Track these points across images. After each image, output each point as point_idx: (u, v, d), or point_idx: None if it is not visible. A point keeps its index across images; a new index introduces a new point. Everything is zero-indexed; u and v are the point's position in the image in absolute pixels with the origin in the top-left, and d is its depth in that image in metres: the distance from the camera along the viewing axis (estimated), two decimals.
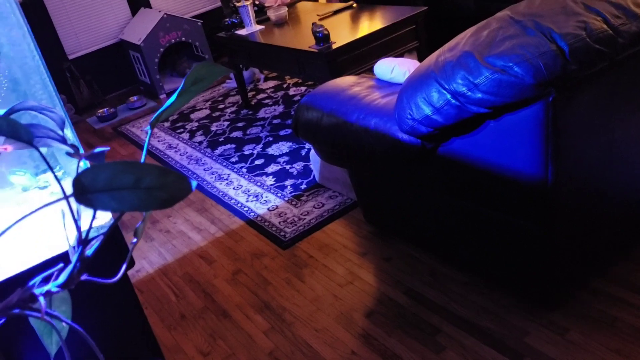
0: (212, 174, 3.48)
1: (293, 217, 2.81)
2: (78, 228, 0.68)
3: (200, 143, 3.97)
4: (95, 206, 0.57)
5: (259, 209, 2.96)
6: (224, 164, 3.57)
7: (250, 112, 4.27)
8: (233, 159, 3.59)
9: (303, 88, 4.48)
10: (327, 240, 2.58)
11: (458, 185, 1.86)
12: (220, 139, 3.94)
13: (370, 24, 3.45)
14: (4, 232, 0.68)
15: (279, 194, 3.05)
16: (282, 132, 3.79)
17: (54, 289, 0.66)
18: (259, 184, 3.22)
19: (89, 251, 0.68)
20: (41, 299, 0.66)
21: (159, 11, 5.10)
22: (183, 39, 5.09)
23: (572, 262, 1.86)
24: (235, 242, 2.74)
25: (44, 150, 1.54)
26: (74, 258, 0.67)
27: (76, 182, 0.56)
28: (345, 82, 2.28)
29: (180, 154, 3.89)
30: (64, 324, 0.77)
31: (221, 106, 4.55)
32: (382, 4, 3.79)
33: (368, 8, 3.77)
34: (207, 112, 4.50)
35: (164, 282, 2.57)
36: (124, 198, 0.57)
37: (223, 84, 4.99)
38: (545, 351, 1.77)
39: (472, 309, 1.99)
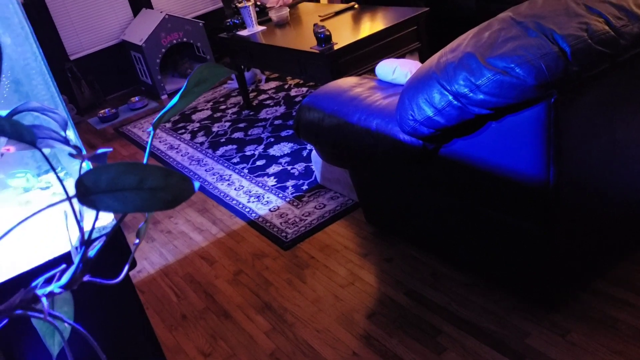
0: (214, 174, 3.48)
1: (294, 217, 2.81)
2: (81, 229, 0.68)
3: (201, 144, 3.97)
4: (98, 207, 0.57)
5: (260, 209, 2.96)
6: (226, 164, 3.57)
7: (251, 113, 4.27)
8: (234, 160, 3.60)
9: (304, 89, 4.49)
10: (328, 241, 2.58)
11: (459, 186, 1.86)
12: (222, 140, 3.94)
13: (372, 25, 3.45)
14: (6, 233, 0.68)
15: (281, 195, 3.05)
16: (283, 133, 3.79)
17: (57, 290, 0.67)
18: (260, 184, 3.22)
19: (92, 252, 0.68)
20: (44, 299, 0.66)
21: (161, 12, 5.10)
22: (184, 39, 5.09)
23: (574, 263, 1.86)
24: (237, 243, 2.74)
25: (46, 151, 1.54)
26: (76, 259, 0.67)
27: (79, 184, 0.56)
28: (347, 83, 2.28)
29: (181, 155, 3.89)
30: (66, 324, 0.77)
31: (222, 107, 4.55)
32: (383, 5, 3.79)
33: (370, 9, 3.77)
34: (209, 112, 4.51)
35: (165, 283, 2.57)
36: (127, 199, 0.57)
37: (225, 85, 4.99)
38: (546, 352, 1.77)
39: (473, 310, 1.99)
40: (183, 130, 4.28)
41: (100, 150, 0.73)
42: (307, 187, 3.07)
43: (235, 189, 3.24)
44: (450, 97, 1.58)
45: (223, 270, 2.56)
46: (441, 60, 1.64)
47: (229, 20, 4.13)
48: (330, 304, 2.20)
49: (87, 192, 0.57)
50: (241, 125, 4.11)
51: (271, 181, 3.22)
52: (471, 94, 1.53)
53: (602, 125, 1.67)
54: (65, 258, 1.28)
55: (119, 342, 1.53)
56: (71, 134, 1.38)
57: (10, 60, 1.40)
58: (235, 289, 2.41)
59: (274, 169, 3.35)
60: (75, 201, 0.59)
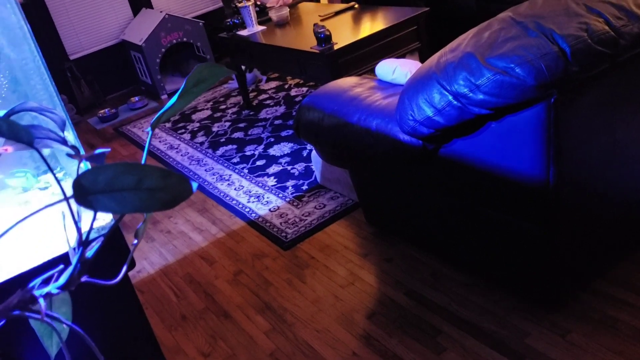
0: (214, 174, 3.48)
1: (294, 217, 2.81)
2: (78, 230, 0.68)
3: (201, 144, 3.97)
4: (95, 208, 0.57)
5: (260, 209, 2.96)
6: (225, 164, 3.57)
7: (251, 113, 4.27)
8: (234, 160, 3.59)
9: (305, 89, 4.48)
10: (328, 241, 2.58)
11: (459, 186, 1.86)
12: (222, 140, 3.94)
13: (372, 24, 3.45)
14: (4, 233, 0.68)
15: (280, 195, 3.05)
16: (283, 133, 3.79)
17: (54, 291, 0.66)
18: (260, 184, 3.22)
19: (89, 253, 0.68)
20: (41, 300, 0.66)
21: (161, 11, 5.10)
22: (184, 39, 5.09)
23: (573, 263, 1.86)
24: (237, 243, 2.74)
25: (47, 151, 1.54)
26: (74, 260, 0.67)
27: (76, 184, 0.56)
28: (347, 83, 2.28)
29: (181, 155, 3.89)
30: (64, 325, 0.77)
31: (222, 107, 4.55)
32: (383, 5, 3.78)
33: (370, 9, 3.77)
34: (209, 112, 4.50)
35: (164, 283, 2.57)
36: (125, 199, 0.57)
37: (225, 85, 4.99)
38: (546, 352, 1.77)
39: (473, 310, 1.99)
40: (183, 130, 4.28)
41: (98, 151, 0.73)
42: (307, 187, 3.06)
43: (235, 189, 3.24)
44: (450, 97, 1.58)
45: (223, 270, 2.56)
46: (441, 60, 1.64)
47: (229, 20, 4.12)
48: (330, 304, 2.19)
49: (85, 193, 0.57)
50: (241, 125, 4.11)
51: (271, 181, 3.22)
52: (471, 94, 1.52)
53: (602, 125, 1.67)
54: (64, 259, 1.28)
55: (118, 343, 1.53)
56: (69, 134, 1.38)
57: (9, 60, 1.39)
58: (235, 289, 2.41)
59: (274, 169, 3.35)
60: (73, 201, 0.59)
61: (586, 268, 1.95)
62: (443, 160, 1.81)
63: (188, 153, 3.88)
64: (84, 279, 0.68)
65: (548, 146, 1.53)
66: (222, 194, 3.22)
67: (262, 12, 4.32)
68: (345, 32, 3.44)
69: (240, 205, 3.05)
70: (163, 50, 5.00)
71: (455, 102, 1.58)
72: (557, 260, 1.78)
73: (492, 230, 1.86)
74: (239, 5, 4.08)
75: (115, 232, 1.40)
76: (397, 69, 2.21)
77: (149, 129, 0.71)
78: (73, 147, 0.74)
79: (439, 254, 2.27)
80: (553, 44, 1.46)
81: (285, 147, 3.58)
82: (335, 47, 3.16)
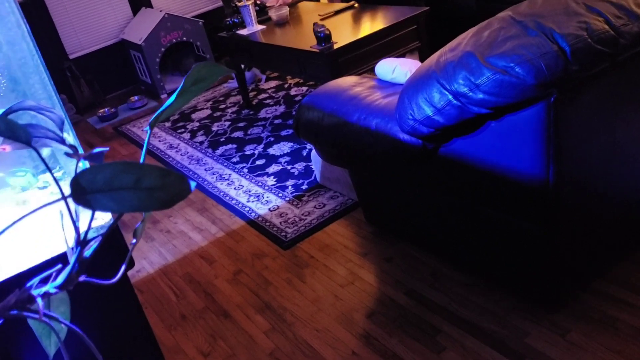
0: (213, 174, 3.48)
1: (294, 217, 2.81)
2: (76, 229, 0.68)
3: (201, 143, 3.96)
4: (93, 207, 0.57)
5: (260, 209, 2.96)
6: (225, 164, 3.57)
7: (251, 112, 4.26)
8: (234, 159, 3.59)
9: (304, 88, 4.48)
10: (328, 240, 2.58)
11: (459, 186, 1.85)
12: (222, 139, 3.94)
13: (372, 24, 3.45)
14: (2, 232, 0.68)
15: (280, 194, 3.05)
16: (283, 132, 3.79)
17: (53, 290, 0.66)
18: (260, 184, 3.21)
19: (88, 252, 0.68)
20: (39, 300, 0.65)
21: (160, 11, 5.10)
22: (184, 38, 5.09)
23: (573, 263, 1.86)
24: (236, 243, 2.73)
25: (47, 150, 1.54)
26: (72, 259, 0.67)
27: (74, 183, 0.56)
28: (347, 82, 2.28)
29: (181, 154, 3.89)
30: (62, 325, 0.76)
31: (222, 106, 4.54)
32: (383, 4, 3.78)
33: (369, 8, 3.76)
34: (208, 112, 4.50)
35: (164, 282, 2.56)
36: (123, 199, 0.57)
37: (224, 84, 4.99)
38: (546, 352, 1.77)
39: (473, 310, 1.99)
40: (183, 130, 4.28)
41: (96, 150, 0.73)
42: (306, 186, 3.06)
43: (234, 189, 3.24)
44: (450, 97, 1.58)
45: (222, 269, 2.55)
46: (441, 59, 1.64)
47: (228, 19, 4.12)
48: (329, 304, 2.19)
49: (83, 192, 0.56)
50: (241, 124, 4.10)
51: (271, 180, 3.22)
52: (471, 93, 1.52)
53: (602, 124, 1.66)
54: (62, 258, 1.28)
55: (117, 343, 1.53)
56: (68, 134, 1.37)
57: (7, 59, 1.39)
58: (234, 288, 2.41)
59: (273, 168, 3.35)
60: (71, 201, 0.58)
61: (586, 268, 1.94)
62: (443, 159, 1.81)
63: (188, 152, 3.88)
64: (82, 278, 0.68)
65: (548, 145, 1.53)
66: (221, 194, 3.21)
67: (262, 12, 4.32)
68: (345, 32, 3.43)
69: (240, 205, 3.05)
70: (163, 49, 4.99)
71: (455, 102, 1.57)
72: (557, 260, 1.78)
73: (492, 229, 1.86)
74: (239, 4, 4.07)
75: (113, 231, 1.39)
76: (396, 68, 2.21)
77: (148, 127, 0.70)
78: (71, 146, 0.74)
79: (439, 253, 2.27)
80: (553, 43, 1.45)
81: (285, 147, 3.57)
82: (335, 47, 3.16)
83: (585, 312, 1.88)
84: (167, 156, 3.91)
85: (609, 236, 1.95)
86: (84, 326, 0.83)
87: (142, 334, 1.58)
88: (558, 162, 1.55)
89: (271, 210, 2.92)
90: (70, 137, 1.37)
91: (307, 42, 3.37)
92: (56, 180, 0.66)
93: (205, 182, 3.39)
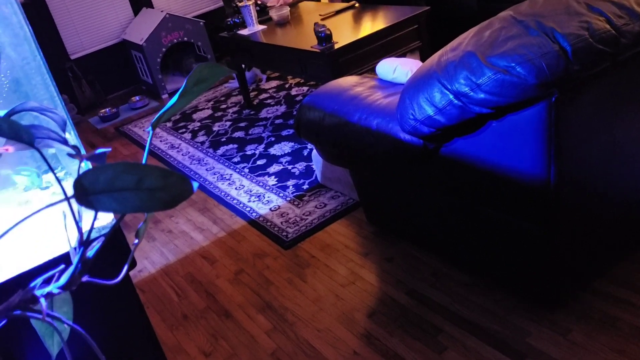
0: (214, 174, 3.48)
1: (295, 217, 2.81)
2: (79, 229, 0.68)
3: (202, 143, 3.97)
4: (96, 208, 0.57)
5: (261, 209, 2.96)
6: (226, 164, 3.57)
7: (252, 112, 4.27)
8: (235, 159, 3.59)
9: (305, 88, 4.48)
10: (329, 240, 2.58)
11: (460, 186, 1.85)
12: (223, 139, 3.94)
13: (373, 23, 3.45)
14: (5, 233, 0.68)
15: (281, 194, 3.05)
16: (284, 132, 3.79)
17: (55, 291, 0.66)
18: (261, 184, 3.22)
19: (90, 252, 0.68)
20: (42, 300, 0.66)
21: (161, 11, 5.10)
22: (185, 38, 5.09)
23: (574, 263, 1.86)
24: (238, 242, 2.74)
25: (51, 151, 1.54)
26: (75, 259, 0.67)
27: (77, 184, 0.56)
28: (348, 82, 2.28)
29: (182, 154, 3.89)
30: (65, 325, 0.77)
31: (223, 106, 4.55)
32: (384, 4, 3.78)
33: (370, 8, 3.76)
34: (210, 112, 4.51)
35: (166, 282, 2.57)
36: (125, 199, 0.57)
37: (225, 84, 4.99)
38: (547, 351, 1.77)
39: (474, 310, 1.99)
40: (184, 130, 4.28)
41: (98, 150, 0.73)
42: (307, 186, 3.06)
43: (236, 189, 3.24)
44: (451, 96, 1.58)
45: (224, 269, 2.56)
46: (442, 59, 1.64)
47: (229, 19, 4.12)
48: (331, 303, 2.19)
49: (86, 193, 0.57)
50: (242, 124, 4.11)
51: (272, 180, 3.22)
52: (472, 93, 1.52)
53: (603, 124, 1.66)
54: (65, 258, 1.28)
55: (119, 342, 1.53)
56: (70, 134, 1.38)
57: (9, 60, 1.39)
58: (236, 288, 2.41)
59: (274, 168, 3.35)
60: (73, 201, 0.59)
61: (586, 268, 1.94)
62: (444, 159, 1.81)
63: (189, 152, 3.89)
64: (85, 278, 0.68)
65: (549, 145, 1.53)
66: (223, 194, 3.22)
67: (263, 12, 4.32)
68: (346, 31, 3.44)
69: (241, 205, 3.05)
70: (164, 49, 5.00)
71: (456, 101, 1.57)
72: (558, 259, 1.78)
73: (492, 229, 1.86)
74: (240, 4, 4.08)
75: (116, 231, 1.40)
76: (397, 68, 2.21)
77: (150, 128, 0.71)
78: (74, 146, 0.74)
79: (440, 253, 2.27)
80: (554, 42, 1.45)
81: (285, 147, 3.58)
82: (336, 46, 3.16)
83: (586, 312, 1.88)
84: (168, 156, 3.91)
85: (609, 236, 1.95)
86: (86, 326, 0.84)
87: (144, 334, 1.58)
88: (559, 162, 1.55)
89: (272, 210, 2.92)
90: (72, 137, 1.37)
91: (308, 42, 3.37)
92: (59, 181, 0.66)
93: (207, 182, 3.39)
